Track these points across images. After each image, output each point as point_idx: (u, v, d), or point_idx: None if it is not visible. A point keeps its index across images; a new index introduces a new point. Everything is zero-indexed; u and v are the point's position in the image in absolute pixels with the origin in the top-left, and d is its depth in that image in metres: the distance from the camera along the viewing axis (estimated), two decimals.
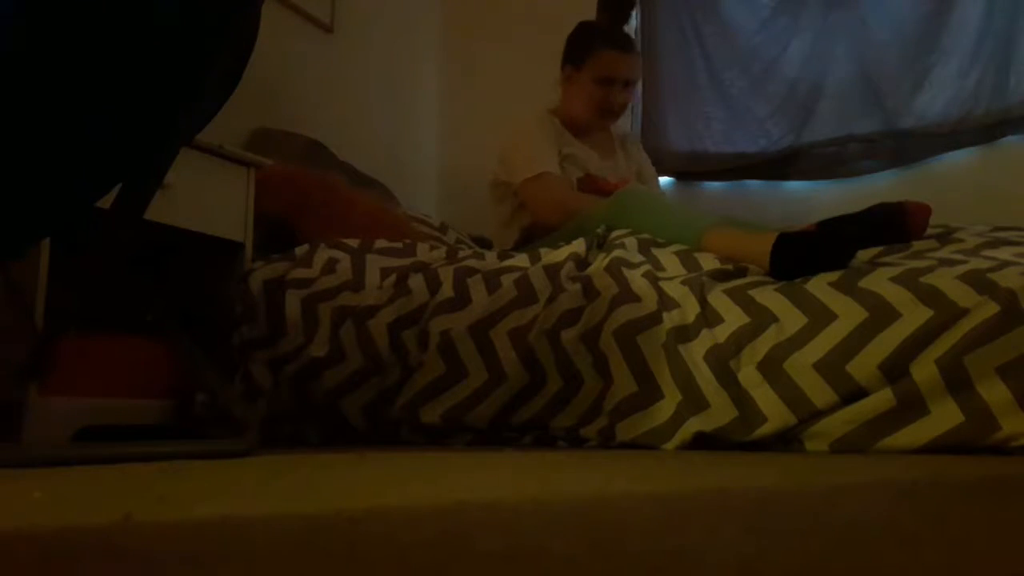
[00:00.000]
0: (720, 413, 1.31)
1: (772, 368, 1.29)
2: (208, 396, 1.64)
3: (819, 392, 1.25)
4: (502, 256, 1.80)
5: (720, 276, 1.50)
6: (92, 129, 1.07)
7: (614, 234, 1.75)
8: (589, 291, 1.50)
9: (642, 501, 0.76)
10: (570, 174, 2.18)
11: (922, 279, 1.26)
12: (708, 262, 1.56)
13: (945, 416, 1.18)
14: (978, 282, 1.22)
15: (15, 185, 1.08)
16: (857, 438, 1.22)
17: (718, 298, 1.40)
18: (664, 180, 2.94)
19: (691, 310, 1.40)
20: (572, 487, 0.88)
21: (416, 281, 1.68)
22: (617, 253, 1.61)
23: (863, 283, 1.30)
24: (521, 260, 1.71)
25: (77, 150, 1.09)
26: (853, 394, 1.24)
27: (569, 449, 1.45)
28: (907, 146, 2.55)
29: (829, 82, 2.68)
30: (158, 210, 1.41)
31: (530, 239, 2.14)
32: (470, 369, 1.54)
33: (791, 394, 1.27)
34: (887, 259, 1.52)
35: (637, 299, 1.45)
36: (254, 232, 1.90)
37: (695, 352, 1.36)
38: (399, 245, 1.90)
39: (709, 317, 1.38)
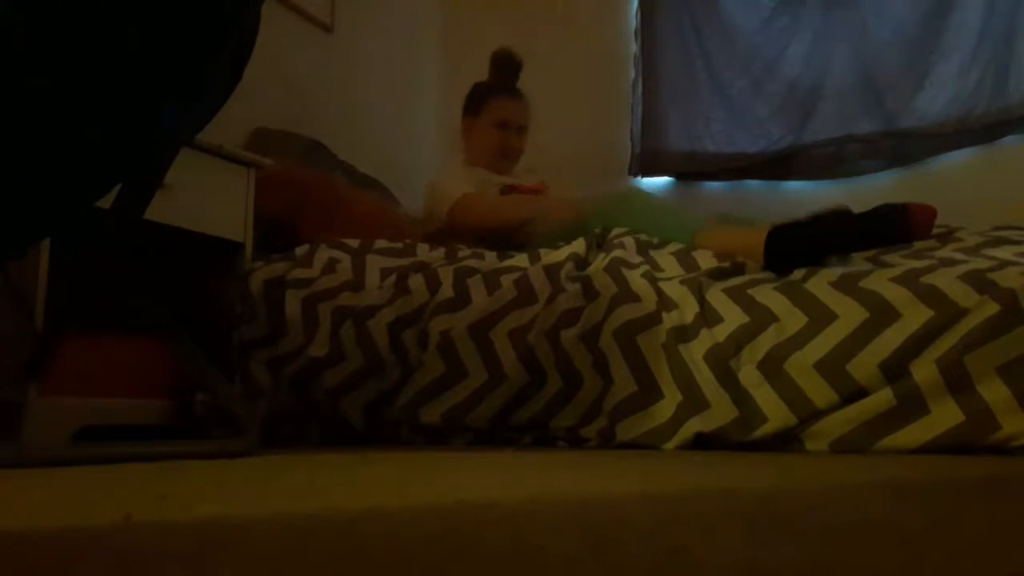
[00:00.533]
0: (720, 413, 1.31)
1: (772, 368, 1.29)
2: (208, 396, 1.64)
3: (819, 392, 1.25)
4: (502, 256, 1.80)
5: (718, 275, 1.50)
6: (91, 129, 1.07)
7: (613, 233, 1.75)
8: (589, 291, 1.50)
9: (642, 501, 0.76)
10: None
11: (922, 279, 1.26)
12: (706, 261, 1.56)
13: (945, 416, 1.18)
14: (978, 282, 1.22)
15: (15, 185, 1.08)
16: (857, 438, 1.22)
17: (717, 297, 1.40)
18: (664, 180, 2.94)
19: (690, 310, 1.40)
20: (572, 487, 0.88)
21: (416, 281, 1.68)
22: (616, 253, 1.61)
23: (864, 283, 1.29)
24: (521, 260, 1.71)
25: (76, 150, 1.09)
26: (853, 394, 1.24)
27: (569, 449, 1.45)
28: (907, 146, 2.55)
29: (829, 82, 2.68)
30: (158, 210, 1.41)
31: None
32: (470, 369, 1.54)
33: (791, 394, 1.27)
34: (887, 258, 1.52)
35: (637, 299, 1.45)
36: (254, 232, 1.90)
37: (695, 352, 1.36)
38: (399, 245, 1.90)
39: (708, 317, 1.38)
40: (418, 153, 3.26)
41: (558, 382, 1.47)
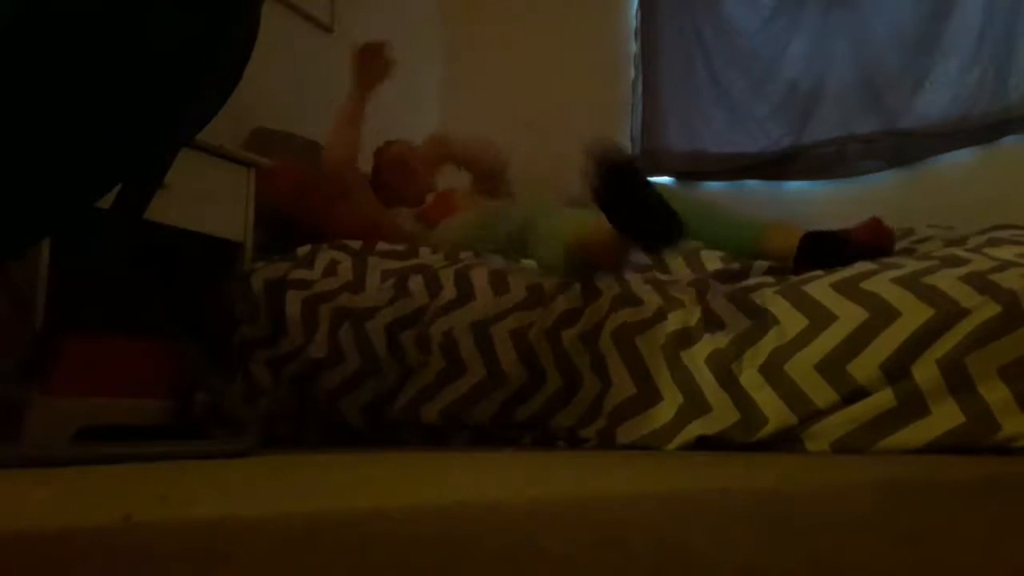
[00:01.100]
0: (722, 416, 1.31)
1: (774, 370, 1.29)
2: (208, 396, 1.64)
3: (820, 392, 1.25)
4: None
5: (723, 277, 1.50)
6: (90, 129, 1.07)
7: None
8: (591, 291, 1.50)
9: (642, 501, 0.76)
10: None
11: (923, 280, 1.26)
12: (712, 263, 1.56)
13: (946, 416, 1.17)
14: (979, 283, 1.22)
15: (16, 185, 1.08)
16: (858, 438, 1.22)
17: (719, 302, 1.40)
18: (664, 180, 2.94)
19: (693, 314, 1.40)
20: (572, 487, 0.88)
21: (416, 282, 1.67)
22: None
23: (864, 284, 1.29)
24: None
25: (75, 150, 1.09)
26: (854, 394, 1.24)
27: (569, 449, 1.45)
28: (907, 146, 2.54)
29: (829, 82, 2.67)
30: (158, 210, 1.41)
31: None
32: (469, 366, 1.54)
33: (792, 395, 1.27)
34: (886, 259, 1.52)
35: (639, 302, 1.45)
36: (264, 229, 1.90)
37: (697, 356, 1.36)
38: (400, 248, 1.90)
39: (711, 321, 1.38)
40: None
41: (558, 381, 1.47)
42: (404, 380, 1.60)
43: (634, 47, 3.01)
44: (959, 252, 1.47)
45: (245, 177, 1.89)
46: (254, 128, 2.39)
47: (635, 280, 1.50)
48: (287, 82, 2.57)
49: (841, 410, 1.24)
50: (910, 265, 1.38)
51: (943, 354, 1.19)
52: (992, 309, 1.18)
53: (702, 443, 1.32)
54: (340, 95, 2.84)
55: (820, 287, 1.33)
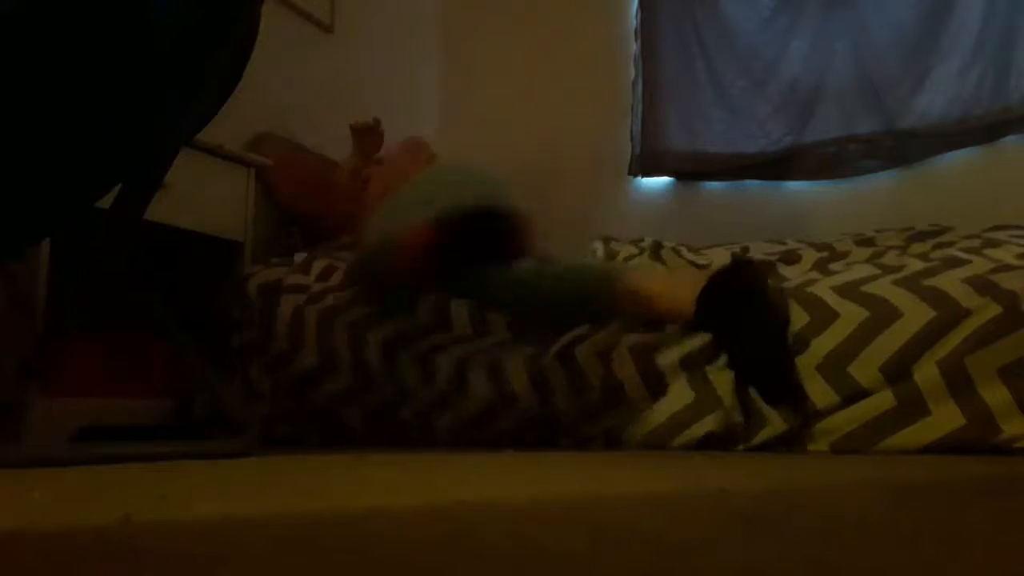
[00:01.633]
0: (726, 417, 1.31)
1: None
2: (208, 396, 1.64)
3: (821, 392, 1.25)
4: None
5: None
6: (91, 127, 1.07)
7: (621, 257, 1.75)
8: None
9: (642, 501, 0.76)
10: None
11: (925, 281, 1.26)
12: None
13: (946, 418, 1.17)
14: (980, 284, 1.22)
15: (16, 185, 1.08)
16: (858, 439, 1.22)
17: None
18: (664, 180, 2.94)
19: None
20: (572, 487, 0.88)
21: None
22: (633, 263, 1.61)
23: (866, 287, 1.29)
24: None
25: (75, 149, 1.09)
26: (855, 395, 1.24)
27: (570, 449, 1.45)
28: (907, 146, 2.54)
29: (829, 82, 2.67)
30: (158, 210, 1.41)
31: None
32: (476, 391, 1.51)
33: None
34: (886, 260, 1.52)
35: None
36: (275, 227, 1.89)
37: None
38: None
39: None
40: None
41: (567, 398, 1.46)
42: (400, 396, 1.58)
43: (634, 47, 3.01)
44: (960, 251, 1.47)
45: (245, 177, 1.89)
46: (257, 132, 2.39)
47: None
48: (287, 82, 2.56)
49: (841, 411, 1.24)
50: (911, 266, 1.38)
51: (944, 355, 1.19)
52: (993, 310, 1.18)
53: (704, 443, 1.32)
54: (340, 95, 2.85)
55: (822, 288, 1.33)
